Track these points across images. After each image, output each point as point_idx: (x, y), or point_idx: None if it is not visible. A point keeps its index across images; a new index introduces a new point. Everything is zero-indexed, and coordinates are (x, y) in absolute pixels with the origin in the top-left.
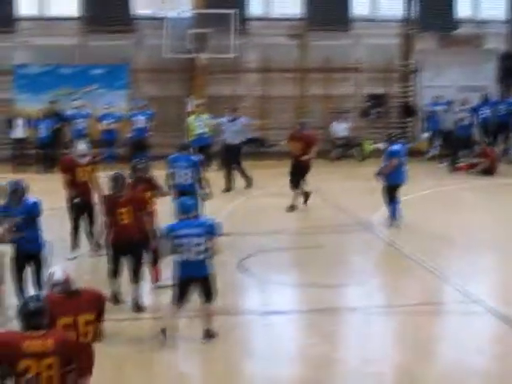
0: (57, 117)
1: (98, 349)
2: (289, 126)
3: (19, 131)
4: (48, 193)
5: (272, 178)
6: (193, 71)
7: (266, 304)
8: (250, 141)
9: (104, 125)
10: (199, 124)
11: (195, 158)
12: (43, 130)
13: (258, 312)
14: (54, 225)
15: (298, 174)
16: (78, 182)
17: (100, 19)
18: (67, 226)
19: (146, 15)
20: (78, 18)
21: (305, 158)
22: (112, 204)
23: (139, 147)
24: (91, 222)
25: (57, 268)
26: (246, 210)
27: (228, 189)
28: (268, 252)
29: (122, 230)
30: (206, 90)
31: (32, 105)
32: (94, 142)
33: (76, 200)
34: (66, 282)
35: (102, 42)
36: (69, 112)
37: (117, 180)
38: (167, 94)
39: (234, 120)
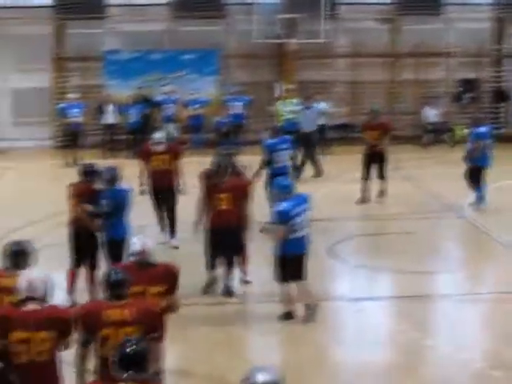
0: (146, 102)
1: (185, 329)
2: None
3: (109, 117)
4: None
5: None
6: (282, 56)
7: (357, 290)
8: (338, 126)
9: (191, 110)
10: (287, 109)
11: (289, 140)
12: (133, 116)
13: (349, 298)
14: (144, 210)
15: (375, 164)
16: (153, 170)
17: (189, 5)
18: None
19: (236, 0)
20: (167, 4)
21: (380, 147)
22: (212, 189)
23: (234, 133)
24: (168, 209)
25: (137, 239)
26: (337, 195)
27: (317, 174)
28: (359, 237)
29: (221, 215)
30: (295, 75)
31: (122, 91)
32: (181, 127)
33: (142, 188)
34: (143, 253)
35: (192, 28)
36: (158, 98)
37: (219, 166)
38: (257, 80)
39: (309, 107)
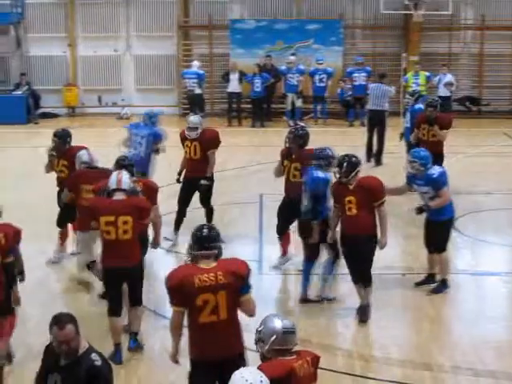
0: (271, 71)
1: None
2: (507, 86)
3: (234, 85)
4: (260, 147)
5: (487, 138)
6: (407, 28)
7: (478, 264)
8: (463, 99)
9: (316, 80)
10: (416, 81)
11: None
12: (257, 85)
13: (470, 272)
14: (267, 178)
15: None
16: (186, 157)
17: None
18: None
19: None
20: None
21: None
22: (339, 191)
23: (356, 104)
24: (202, 202)
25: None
26: (461, 168)
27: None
28: (482, 212)
29: (349, 221)
30: (420, 46)
31: (247, 59)
32: (306, 97)
33: (177, 177)
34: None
35: None
36: (283, 67)
37: (341, 163)
38: (381, 51)
39: (379, 86)
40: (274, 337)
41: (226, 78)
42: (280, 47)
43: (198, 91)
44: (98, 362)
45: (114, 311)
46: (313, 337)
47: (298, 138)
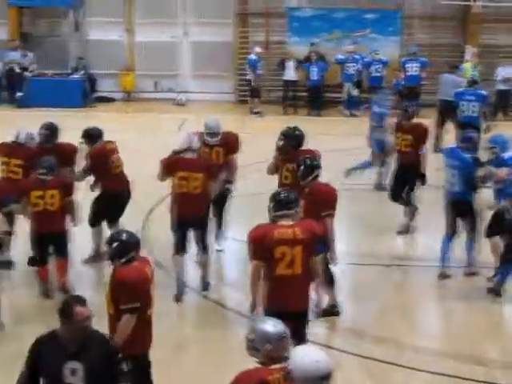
0: (326, 61)
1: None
2: None
3: (290, 73)
4: (316, 135)
5: None
6: (466, 19)
7: None
8: None
9: (372, 70)
10: (474, 73)
11: (483, 92)
12: (314, 73)
13: None
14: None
15: (405, 182)
16: None
17: None
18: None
19: None
20: None
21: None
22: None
23: (410, 94)
24: (216, 209)
25: None
26: None
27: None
28: None
29: None
30: (479, 38)
31: (304, 47)
32: (363, 87)
33: None
34: None
35: None
36: (340, 56)
37: (299, 165)
38: (439, 42)
39: (451, 76)
40: (268, 345)
41: (281, 65)
42: (337, 36)
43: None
44: (106, 336)
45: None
46: (365, 327)
47: (292, 139)
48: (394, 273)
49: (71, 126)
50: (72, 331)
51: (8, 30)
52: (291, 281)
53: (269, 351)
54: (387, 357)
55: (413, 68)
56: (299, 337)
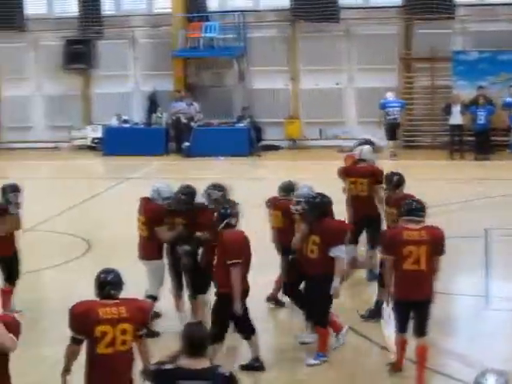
0: (493, 104)
1: None
2: None
3: (456, 117)
4: (484, 180)
5: None
6: None
7: None
8: None
9: None
10: None
11: None
12: (481, 117)
13: None
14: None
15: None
16: (356, 195)
17: None
18: None
19: None
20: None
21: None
22: None
23: None
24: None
25: None
26: None
27: None
28: None
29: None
30: None
31: (469, 91)
32: None
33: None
34: None
35: None
36: (508, 99)
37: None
38: None
39: None
40: None
41: (447, 110)
42: (503, 79)
43: (399, 120)
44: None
45: None
46: None
47: (315, 208)
48: None
49: (238, 175)
50: None
51: (173, 81)
52: (416, 275)
53: None
54: None
55: None
56: (421, 322)
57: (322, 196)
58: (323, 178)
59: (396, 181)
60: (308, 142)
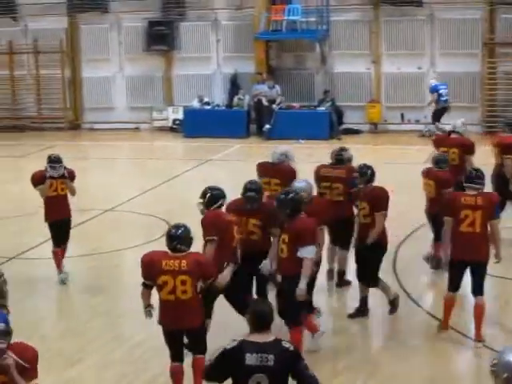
0: None
1: None
2: None
3: None
4: None
5: None
6: None
7: None
8: None
9: None
10: None
11: None
12: None
13: None
14: None
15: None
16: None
17: None
18: None
19: None
20: None
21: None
22: None
23: None
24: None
25: None
26: None
27: None
28: None
29: None
30: None
31: None
32: None
33: None
34: None
35: None
36: None
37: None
38: None
39: None
40: (506, 375)
41: None
42: None
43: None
44: (291, 347)
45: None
46: None
47: (289, 203)
48: None
49: (318, 158)
50: None
51: (255, 63)
52: (472, 237)
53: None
54: None
55: None
56: (477, 282)
57: (295, 193)
58: (403, 161)
59: (370, 174)
60: (389, 125)
